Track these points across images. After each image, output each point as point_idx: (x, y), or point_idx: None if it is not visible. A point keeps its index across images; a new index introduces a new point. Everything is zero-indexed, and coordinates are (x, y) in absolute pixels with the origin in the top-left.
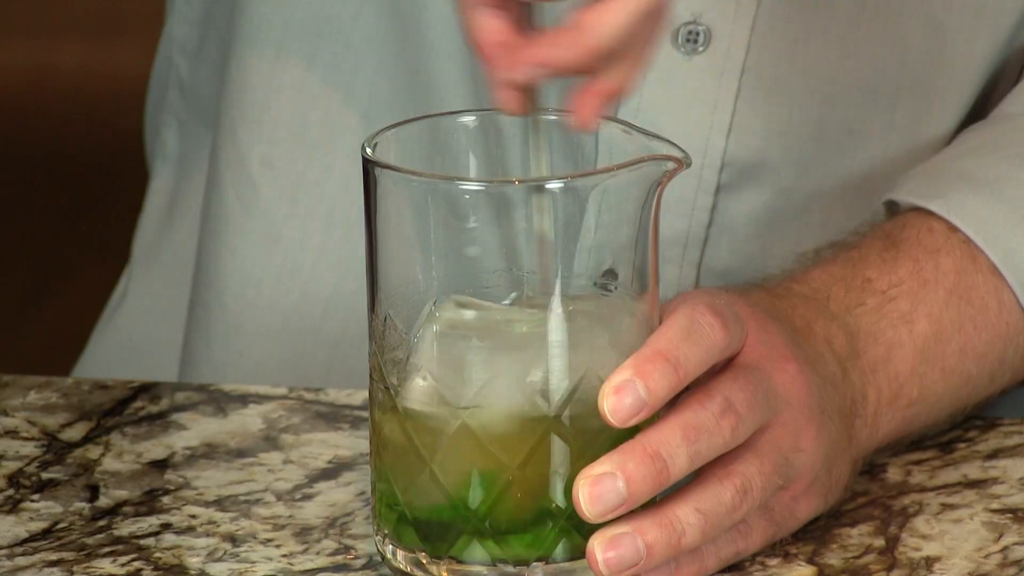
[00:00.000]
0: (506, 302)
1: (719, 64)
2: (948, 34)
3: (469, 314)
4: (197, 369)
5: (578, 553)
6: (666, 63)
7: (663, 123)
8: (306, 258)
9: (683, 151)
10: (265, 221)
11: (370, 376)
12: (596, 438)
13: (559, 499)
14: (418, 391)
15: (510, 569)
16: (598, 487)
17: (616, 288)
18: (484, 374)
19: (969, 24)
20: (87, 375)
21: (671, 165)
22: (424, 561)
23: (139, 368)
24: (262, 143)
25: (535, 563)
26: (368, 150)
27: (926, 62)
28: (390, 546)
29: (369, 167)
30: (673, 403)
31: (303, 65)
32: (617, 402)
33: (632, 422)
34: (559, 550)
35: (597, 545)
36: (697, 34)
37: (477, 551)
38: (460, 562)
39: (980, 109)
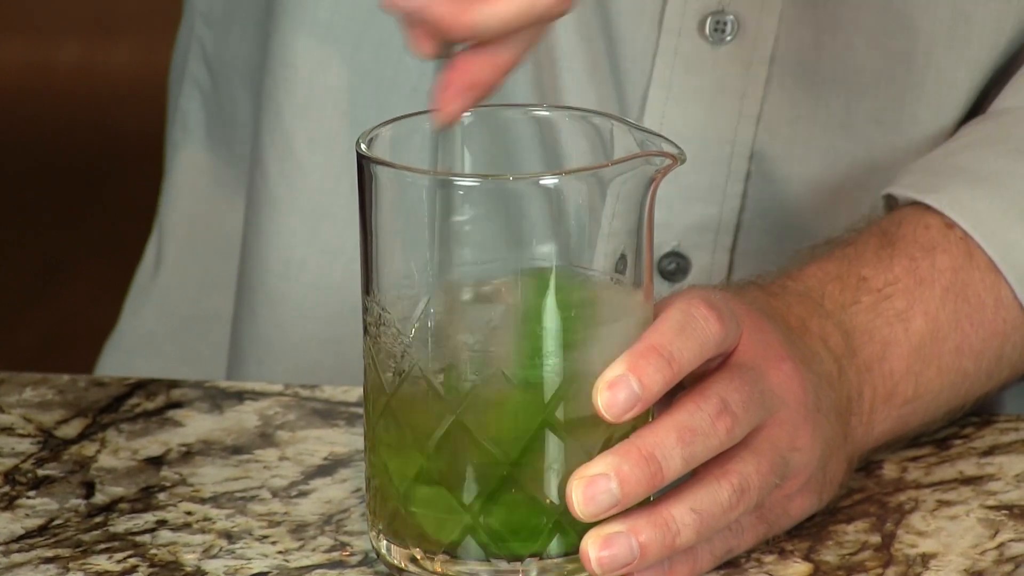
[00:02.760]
0: (500, 297)
1: (747, 53)
2: (975, 25)
3: (463, 310)
4: (243, 347)
5: (572, 550)
6: (694, 52)
7: (692, 112)
8: (351, 236)
9: (678, 147)
10: (310, 199)
11: (364, 372)
12: (591, 434)
13: (553, 495)
14: (412, 387)
15: (504, 565)
16: (592, 488)
17: (625, 277)
18: (478, 370)
19: (996, 15)
20: (125, 346)
21: (665, 162)
22: (419, 557)
23: (184, 338)
24: (308, 121)
25: (529, 559)
26: (363, 146)
27: (952, 55)
28: (385, 542)
29: (364, 163)
30: (668, 402)
31: (352, 44)
32: (611, 397)
33: (626, 417)
34: (553, 546)
35: (591, 544)
36: (725, 24)
37: (471, 547)
38: (454, 558)
39: (980, 101)
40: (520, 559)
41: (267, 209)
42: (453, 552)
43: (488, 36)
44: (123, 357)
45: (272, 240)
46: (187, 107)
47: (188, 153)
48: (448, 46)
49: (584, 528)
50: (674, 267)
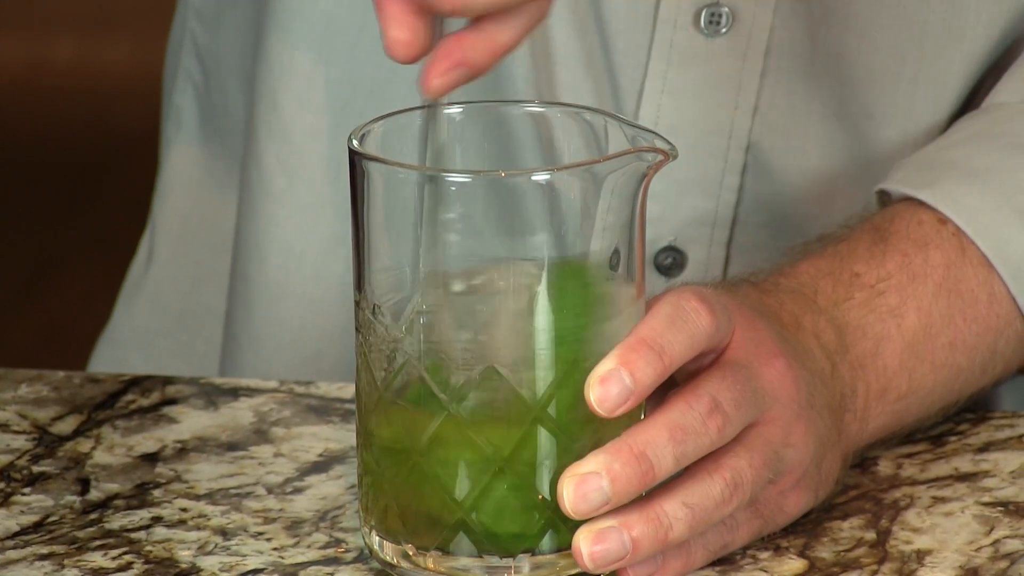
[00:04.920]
0: (492, 293)
1: (742, 46)
2: (969, 19)
3: (455, 306)
4: (237, 340)
5: (564, 545)
6: (689, 45)
7: (687, 105)
8: (350, 227)
9: (669, 143)
10: (310, 191)
11: (357, 368)
12: (583, 429)
13: (545, 491)
14: (404, 383)
15: (496, 561)
16: (583, 486)
17: (618, 273)
18: (470, 365)
19: (990, 7)
20: (118, 341)
21: (657, 157)
22: (411, 553)
23: (177, 333)
24: (308, 113)
25: (521, 555)
26: (355, 142)
27: (946, 48)
28: (377, 538)
29: (356, 159)
30: (660, 400)
31: (352, 36)
32: (603, 392)
33: (619, 412)
34: (545, 542)
35: (583, 539)
36: (720, 16)
37: (464, 543)
38: (447, 554)
39: (973, 96)
40: (512, 555)
41: (264, 201)
42: (445, 548)
43: (478, 11)
44: (116, 352)
45: (271, 232)
46: (180, 102)
47: (181, 148)
48: (429, 37)
49: (576, 523)
50: (670, 262)
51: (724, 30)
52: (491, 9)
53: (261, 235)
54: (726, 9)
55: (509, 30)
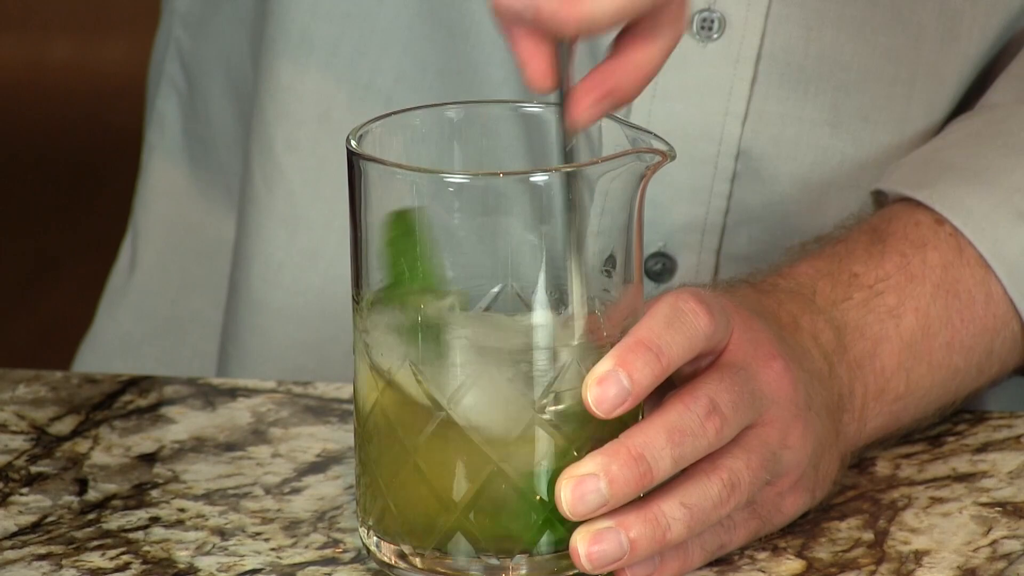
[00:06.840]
0: (490, 294)
1: (734, 51)
2: (963, 21)
3: (453, 306)
4: (227, 352)
5: (562, 546)
6: (681, 50)
7: (679, 111)
8: (329, 240)
9: (668, 144)
10: (289, 203)
11: (355, 368)
12: (580, 430)
13: (543, 492)
14: (402, 384)
15: (494, 561)
16: (581, 488)
17: (614, 275)
18: (468, 366)
19: (984, 10)
20: (101, 348)
21: (655, 158)
22: (408, 553)
23: (162, 340)
24: (287, 125)
25: (519, 555)
26: (353, 143)
27: (941, 51)
28: (374, 538)
29: (354, 160)
30: (658, 402)
31: (329, 47)
32: (601, 393)
33: (616, 412)
34: (543, 543)
35: (580, 539)
36: (712, 21)
37: (461, 543)
38: (444, 554)
39: (967, 97)
40: (510, 555)
41: (252, 212)
42: (443, 548)
43: (600, 28)
44: (99, 359)
45: (255, 243)
46: (164, 108)
47: (164, 154)
48: (562, 71)
49: (573, 524)
50: (660, 267)
51: (716, 36)
52: (612, 25)
53: (249, 247)
54: (718, 14)
55: (651, 52)
